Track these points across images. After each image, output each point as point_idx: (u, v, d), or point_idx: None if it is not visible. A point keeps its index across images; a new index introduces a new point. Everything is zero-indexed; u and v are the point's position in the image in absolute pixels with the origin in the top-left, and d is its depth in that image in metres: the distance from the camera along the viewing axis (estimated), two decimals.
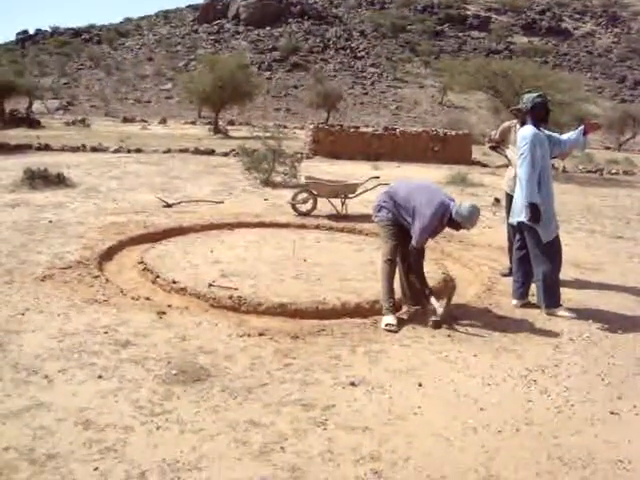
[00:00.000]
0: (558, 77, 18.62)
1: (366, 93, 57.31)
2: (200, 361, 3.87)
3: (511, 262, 6.33)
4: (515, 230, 5.47)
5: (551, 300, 5.10)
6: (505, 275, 6.22)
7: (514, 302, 5.35)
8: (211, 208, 9.12)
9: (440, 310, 4.72)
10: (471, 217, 4.69)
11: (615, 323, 4.98)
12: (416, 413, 3.39)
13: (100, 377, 3.59)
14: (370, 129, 19.64)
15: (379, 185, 9.46)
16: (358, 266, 6.44)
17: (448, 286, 4.91)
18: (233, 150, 17.42)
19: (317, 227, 8.47)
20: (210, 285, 5.44)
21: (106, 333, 4.24)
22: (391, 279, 4.90)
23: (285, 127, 32.51)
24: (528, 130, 5.10)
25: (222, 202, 9.62)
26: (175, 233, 7.44)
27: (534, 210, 4.97)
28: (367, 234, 8.16)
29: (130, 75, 56.17)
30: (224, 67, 27.83)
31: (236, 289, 5.37)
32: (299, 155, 12.61)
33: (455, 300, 5.35)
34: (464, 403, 3.54)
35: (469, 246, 7.65)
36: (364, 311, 5.07)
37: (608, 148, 32.14)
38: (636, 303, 5.61)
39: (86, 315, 4.58)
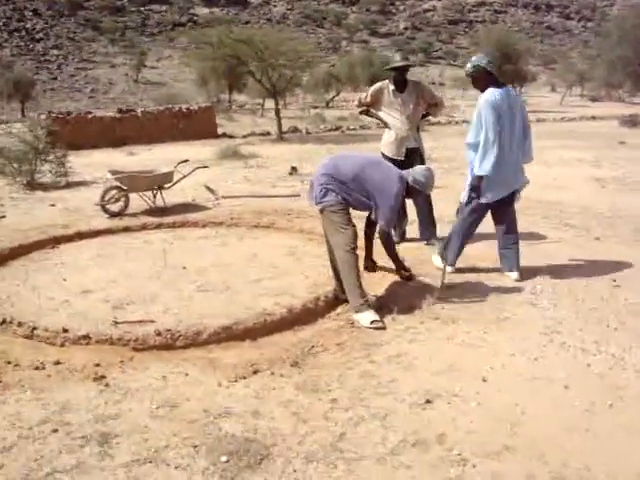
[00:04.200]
0: (299, 42, 18.93)
1: (55, 78, 52.09)
2: (230, 431, 2.83)
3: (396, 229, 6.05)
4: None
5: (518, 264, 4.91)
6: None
7: (447, 268, 5.04)
8: None
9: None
10: (430, 180, 4.42)
11: (559, 273, 4.93)
12: (524, 413, 2.94)
13: None
14: (110, 113, 17.63)
15: (197, 169, 8.48)
16: (247, 262, 5.67)
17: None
18: None
19: (144, 227, 7.20)
20: (116, 323, 4.17)
21: (56, 432, 2.86)
22: (359, 270, 4.26)
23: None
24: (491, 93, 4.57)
25: (4, 216, 7.64)
26: None
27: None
28: (204, 225, 7.20)
29: None
30: None
31: (152, 321, 4.21)
32: (63, 150, 10.65)
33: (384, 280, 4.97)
34: (545, 387, 3.18)
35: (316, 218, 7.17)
36: (312, 313, 4.39)
37: (315, 107, 32.98)
38: (558, 252, 5.58)
39: None
